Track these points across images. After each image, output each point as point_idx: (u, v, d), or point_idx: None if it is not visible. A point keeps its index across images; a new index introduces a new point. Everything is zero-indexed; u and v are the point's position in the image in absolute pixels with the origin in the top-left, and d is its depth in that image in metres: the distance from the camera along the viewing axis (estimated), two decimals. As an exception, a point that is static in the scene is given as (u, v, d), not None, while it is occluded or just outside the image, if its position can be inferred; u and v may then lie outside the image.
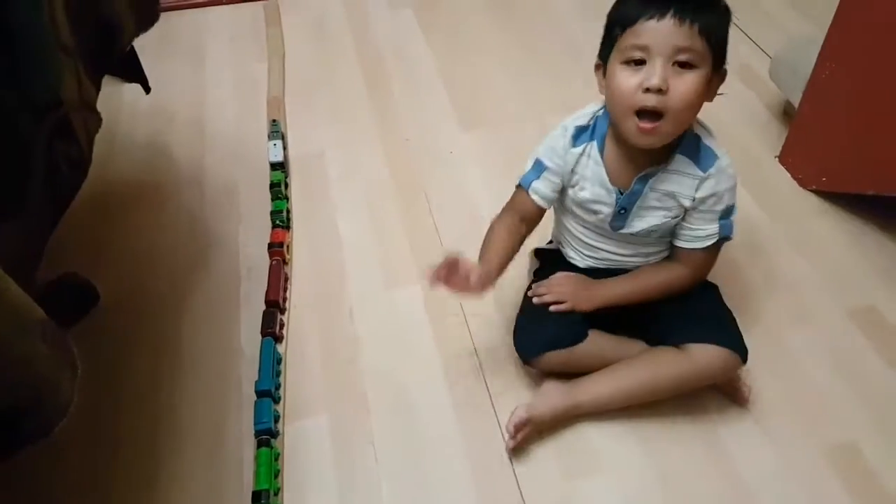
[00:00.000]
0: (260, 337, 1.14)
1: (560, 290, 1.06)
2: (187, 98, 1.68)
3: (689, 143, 0.95)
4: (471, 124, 1.59)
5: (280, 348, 1.16)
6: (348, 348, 1.17)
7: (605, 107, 0.98)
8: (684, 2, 0.86)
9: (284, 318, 1.21)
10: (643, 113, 0.89)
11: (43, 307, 0.59)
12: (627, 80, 0.88)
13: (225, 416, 1.08)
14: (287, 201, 1.40)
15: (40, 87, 0.70)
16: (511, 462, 1.02)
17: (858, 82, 1.28)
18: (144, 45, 1.09)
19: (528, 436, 1.03)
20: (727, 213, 1.00)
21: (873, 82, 1.25)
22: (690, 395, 1.06)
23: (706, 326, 1.03)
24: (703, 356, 1.01)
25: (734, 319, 1.06)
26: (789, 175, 1.46)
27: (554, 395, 1.04)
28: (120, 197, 1.43)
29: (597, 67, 0.97)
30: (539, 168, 1.02)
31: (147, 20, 0.94)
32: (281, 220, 1.35)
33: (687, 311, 1.05)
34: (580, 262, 1.10)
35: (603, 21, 0.94)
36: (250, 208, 1.40)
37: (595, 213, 1.01)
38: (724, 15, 0.89)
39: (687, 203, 0.98)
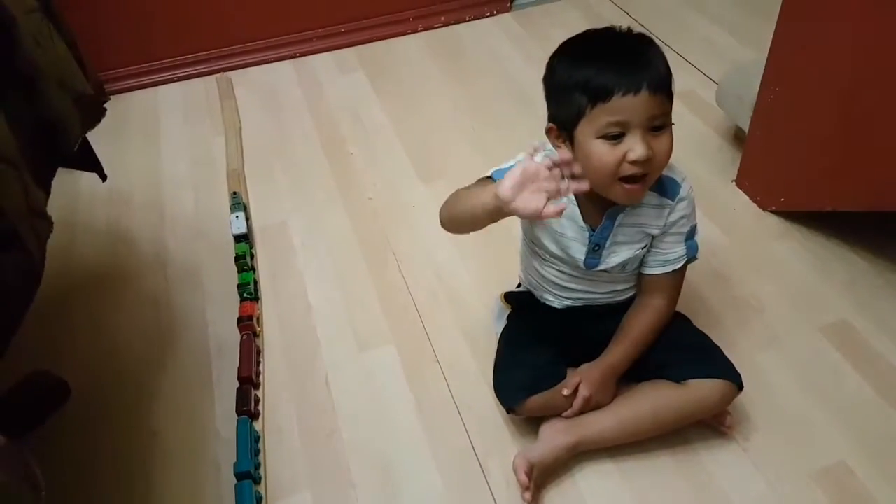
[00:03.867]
0: (235, 416, 1.12)
1: (584, 393, 1.04)
2: (145, 179, 1.67)
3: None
4: (430, 177, 1.60)
5: (257, 426, 1.13)
6: (327, 419, 1.15)
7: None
8: (649, 71, 0.86)
9: (259, 393, 1.19)
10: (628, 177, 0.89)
11: (14, 407, 0.56)
12: (609, 154, 0.87)
13: (204, 502, 1.05)
14: (254, 273, 1.39)
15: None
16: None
17: (804, 103, 1.31)
18: (98, 130, 1.07)
19: (540, 482, 1.01)
20: (691, 233, 1.02)
21: (817, 102, 1.28)
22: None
23: (699, 360, 1.04)
24: (703, 389, 1.02)
25: (719, 348, 1.07)
26: (748, 198, 1.49)
27: (554, 436, 1.03)
28: (83, 286, 1.41)
29: (549, 131, 0.94)
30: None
31: (93, 117, 0.93)
32: (248, 292, 1.33)
33: (671, 345, 1.06)
34: (557, 303, 1.10)
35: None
36: (216, 284, 1.39)
37: (567, 250, 1.01)
38: (668, 66, 0.90)
39: (656, 231, 0.99)
